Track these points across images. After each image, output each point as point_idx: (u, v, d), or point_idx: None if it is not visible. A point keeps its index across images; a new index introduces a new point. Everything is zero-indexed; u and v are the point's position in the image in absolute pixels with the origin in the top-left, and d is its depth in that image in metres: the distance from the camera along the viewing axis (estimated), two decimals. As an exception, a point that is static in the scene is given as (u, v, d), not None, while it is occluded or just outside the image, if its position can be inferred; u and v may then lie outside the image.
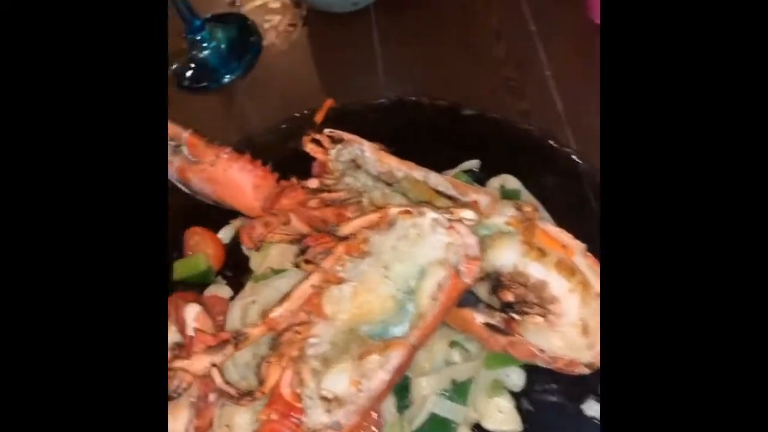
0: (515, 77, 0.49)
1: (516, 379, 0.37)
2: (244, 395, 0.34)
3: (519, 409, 0.36)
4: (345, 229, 0.36)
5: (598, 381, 0.35)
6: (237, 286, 0.42)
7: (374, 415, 0.35)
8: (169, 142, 0.44)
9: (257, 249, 0.41)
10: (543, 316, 0.36)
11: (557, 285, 0.36)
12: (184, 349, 0.37)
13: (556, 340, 0.36)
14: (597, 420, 0.35)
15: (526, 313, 0.36)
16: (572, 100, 0.47)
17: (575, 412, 0.36)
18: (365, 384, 0.33)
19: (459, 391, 0.36)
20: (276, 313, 0.35)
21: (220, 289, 0.44)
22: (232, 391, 0.34)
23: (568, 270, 0.36)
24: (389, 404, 0.36)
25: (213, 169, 0.43)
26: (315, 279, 0.35)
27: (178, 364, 0.35)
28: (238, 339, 0.35)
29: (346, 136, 0.42)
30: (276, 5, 0.61)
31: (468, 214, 0.34)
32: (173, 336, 0.39)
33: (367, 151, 0.42)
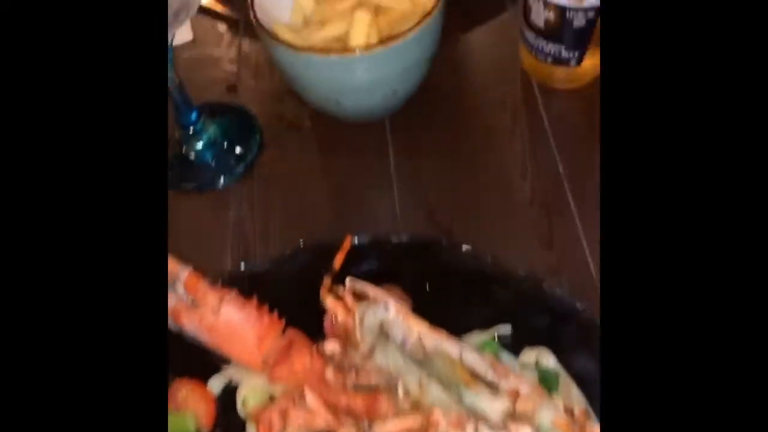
0: (542, 222, 0.47)
1: None
2: None
3: None
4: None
5: None
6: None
7: None
8: (163, 277, 0.39)
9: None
10: None
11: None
12: None
13: None
14: None
15: None
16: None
17: None
18: None
19: None
20: None
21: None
22: None
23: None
24: None
25: (214, 317, 0.38)
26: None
27: None
28: None
29: (371, 290, 0.38)
30: (280, 104, 0.56)
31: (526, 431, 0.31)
32: None
33: (392, 311, 0.37)
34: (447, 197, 0.49)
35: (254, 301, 0.38)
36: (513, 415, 0.33)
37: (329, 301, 0.37)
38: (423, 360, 0.36)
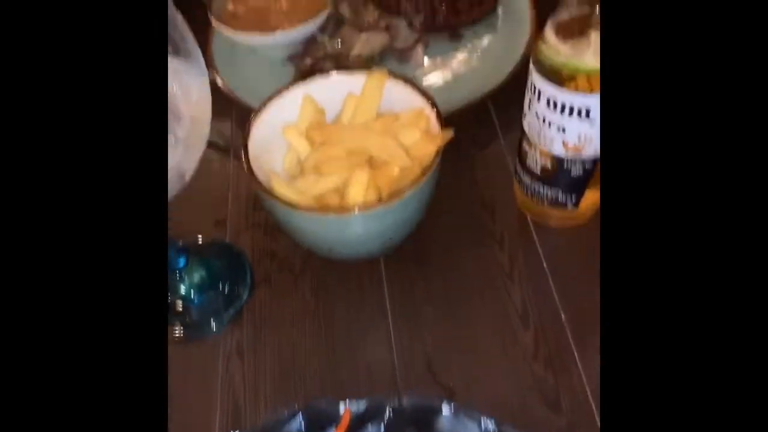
0: (548, 378, 0.45)
1: None
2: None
3: None
4: None
5: None
6: None
7: None
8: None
9: None
10: None
11: None
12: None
13: None
14: None
15: None
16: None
17: None
18: None
19: None
20: None
21: None
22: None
23: None
24: None
25: None
26: None
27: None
28: None
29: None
30: (272, 240, 0.54)
31: None
32: None
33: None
34: (447, 348, 0.47)
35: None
36: None
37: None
38: None
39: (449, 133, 0.44)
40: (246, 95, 0.59)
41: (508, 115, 0.61)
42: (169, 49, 0.35)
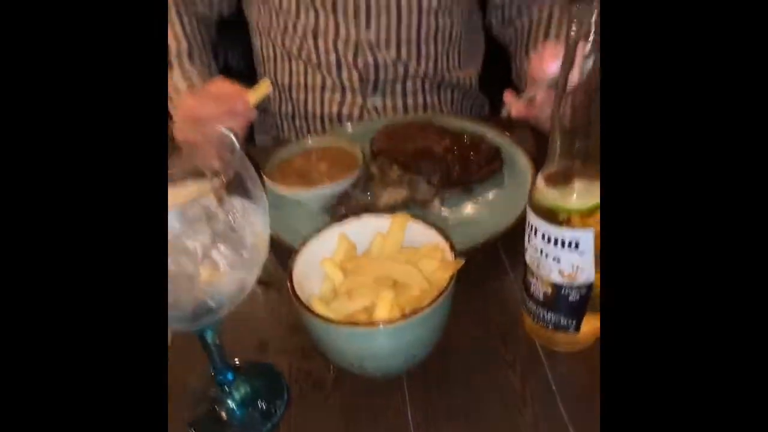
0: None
1: None
2: None
3: None
4: None
5: None
6: None
7: None
8: None
9: None
10: None
11: None
12: None
13: None
14: None
15: None
16: None
17: None
18: None
19: None
20: None
21: None
22: None
23: None
24: None
25: None
26: None
27: None
28: None
29: None
30: (307, 361, 0.61)
31: None
32: None
33: None
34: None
35: None
36: None
37: None
38: None
39: (461, 262, 0.52)
40: (288, 237, 0.70)
41: (515, 254, 0.69)
42: (243, 192, 0.45)
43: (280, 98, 1.09)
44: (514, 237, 0.68)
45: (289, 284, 0.54)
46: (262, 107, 1.06)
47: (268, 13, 1.03)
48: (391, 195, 0.76)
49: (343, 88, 1.03)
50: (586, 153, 0.49)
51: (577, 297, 0.54)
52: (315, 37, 1.00)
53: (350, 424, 0.55)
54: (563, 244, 0.51)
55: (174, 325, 0.47)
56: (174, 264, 0.44)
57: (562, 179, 0.51)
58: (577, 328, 0.56)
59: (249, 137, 1.18)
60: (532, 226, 0.53)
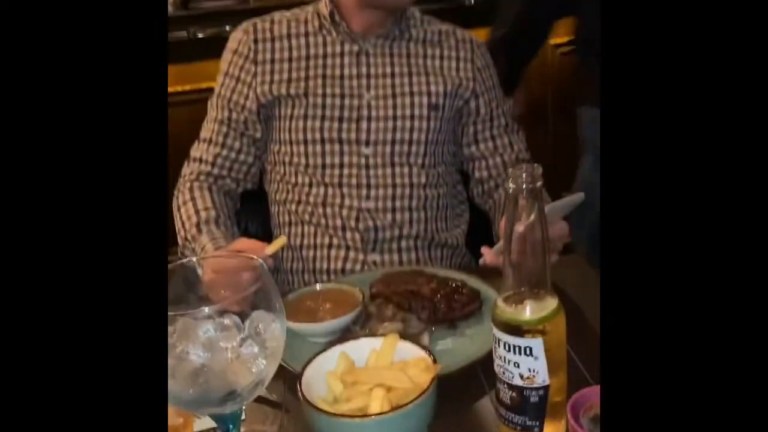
0: None
1: None
2: None
3: None
4: None
5: None
6: None
7: None
8: None
9: None
10: None
11: None
12: None
13: None
14: None
15: None
16: None
17: None
18: None
19: None
20: None
21: None
22: None
23: None
24: None
25: None
26: None
27: None
28: None
29: None
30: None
31: None
32: None
33: None
34: None
35: None
36: None
37: None
38: None
39: (438, 367, 0.64)
40: (296, 365, 0.81)
41: (492, 376, 0.80)
42: (267, 305, 0.59)
43: (291, 257, 1.26)
44: (491, 363, 0.80)
45: (299, 389, 0.65)
46: (275, 267, 1.22)
47: (285, 187, 1.24)
48: (386, 329, 0.88)
49: (347, 247, 1.20)
50: (530, 281, 0.64)
51: (537, 398, 0.65)
52: (324, 206, 1.20)
53: None
54: (520, 350, 0.64)
55: (206, 409, 0.58)
56: (211, 360, 0.57)
57: (515, 300, 0.65)
58: (541, 428, 0.66)
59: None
60: (496, 339, 0.66)
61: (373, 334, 0.88)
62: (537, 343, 0.63)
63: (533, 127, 2.52)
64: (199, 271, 0.63)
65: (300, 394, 0.64)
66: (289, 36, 1.21)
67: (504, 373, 0.66)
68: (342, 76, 1.19)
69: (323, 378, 0.70)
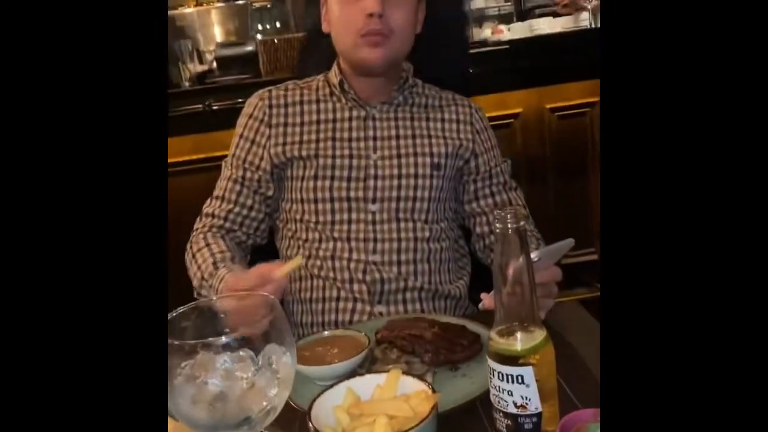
0: None
1: None
2: None
3: None
4: None
5: None
6: None
7: None
8: None
9: None
10: None
11: None
12: None
13: None
14: None
15: None
16: None
17: None
18: None
19: None
20: None
21: None
22: None
23: None
24: None
25: None
26: None
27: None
28: None
29: None
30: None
31: None
32: None
33: None
34: None
35: None
36: None
37: None
38: None
39: (438, 395, 0.69)
40: (303, 405, 0.86)
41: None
42: (279, 339, 0.65)
43: (301, 310, 1.32)
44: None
45: (308, 419, 0.70)
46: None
47: (296, 243, 1.31)
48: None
49: (355, 299, 1.26)
50: (519, 316, 0.70)
51: (531, 425, 0.69)
52: (333, 260, 1.27)
53: None
54: (512, 379, 0.69)
55: (222, 432, 0.63)
56: (228, 388, 0.63)
57: (507, 332, 0.71)
58: (537, 456, 0.70)
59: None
60: (491, 369, 0.71)
61: (378, 375, 0.93)
62: (528, 372, 0.68)
63: (532, 186, 2.62)
64: (217, 306, 0.69)
65: (309, 424, 0.69)
66: (301, 102, 1.32)
67: (499, 402, 0.70)
68: (350, 139, 1.29)
69: (331, 413, 0.74)
